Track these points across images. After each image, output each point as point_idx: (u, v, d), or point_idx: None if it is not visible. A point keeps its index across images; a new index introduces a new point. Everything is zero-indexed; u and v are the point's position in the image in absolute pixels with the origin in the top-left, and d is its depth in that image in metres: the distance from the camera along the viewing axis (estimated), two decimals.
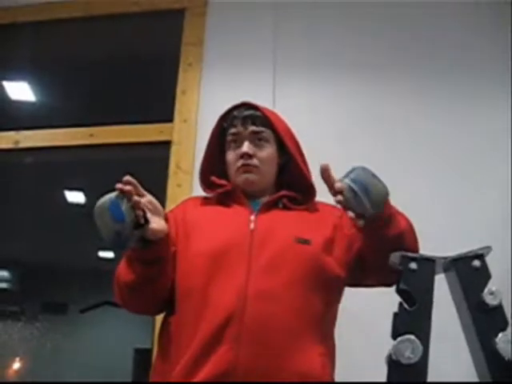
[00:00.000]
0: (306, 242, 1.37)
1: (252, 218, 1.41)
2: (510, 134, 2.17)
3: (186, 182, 2.24)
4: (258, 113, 1.53)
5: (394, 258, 1.20)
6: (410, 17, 2.47)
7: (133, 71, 3.08)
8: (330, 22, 2.50)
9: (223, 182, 1.53)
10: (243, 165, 1.49)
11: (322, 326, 1.35)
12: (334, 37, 2.46)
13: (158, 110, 2.62)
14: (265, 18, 2.52)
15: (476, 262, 1.22)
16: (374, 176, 1.25)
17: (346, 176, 1.24)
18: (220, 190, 1.51)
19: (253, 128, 1.51)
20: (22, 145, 2.58)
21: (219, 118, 1.58)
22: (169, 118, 2.43)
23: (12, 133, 2.61)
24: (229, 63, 2.48)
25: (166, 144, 2.37)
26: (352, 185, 1.20)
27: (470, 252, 1.22)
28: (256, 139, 1.51)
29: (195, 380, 1.19)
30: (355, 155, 2.23)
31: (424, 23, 2.45)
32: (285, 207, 1.48)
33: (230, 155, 1.53)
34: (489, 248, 1.24)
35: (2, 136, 2.63)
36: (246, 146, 1.49)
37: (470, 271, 1.21)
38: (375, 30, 2.46)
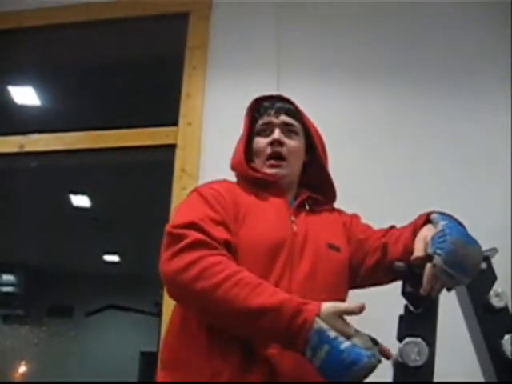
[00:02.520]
0: (336, 248, 1.37)
1: (293, 218, 1.39)
2: (510, 134, 2.16)
3: (190, 186, 2.23)
4: (291, 106, 1.53)
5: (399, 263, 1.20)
6: (410, 17, 2.46)
7: (137, 75, 3.09)
8: (333, 23, 2.50)
9: (262, 172, 1.48)
10: (273, 153, 1.46)
11: None
12: (337, 39, 2.46)
13: (162, 114, 2.63)
14: (268, 21, 2.52)
15: (482, 264, 1.22)
16: (467, 243, 1.11)
17: (436, 247, 1.09)
18: (264, 177, 1.45)
19: (285, 118, 1.50)
20: (27, 149, 2.59)
21: (251, 104, 1.56)
22: (173, 122, 2.44)
23: (17, 137, 2.61)
24: (233, 66, 2.48)
25: (171, 147, 2.37)
26: (448, 269, 1.06)
27: None
28: (287, 130, 1.50)
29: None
30: (359, 156, 2.25)
31: (425, 24, 2.44)
32: (310, 209, 1.47)
33: (260, 142, 1.50)
34: (495, 250, 1.24)
35: (7, 140, 2.63)
36: (277, 133, 1.47)
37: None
38: (377, 31, 2.45)
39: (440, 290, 1.11)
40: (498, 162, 2.16)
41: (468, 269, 1.09)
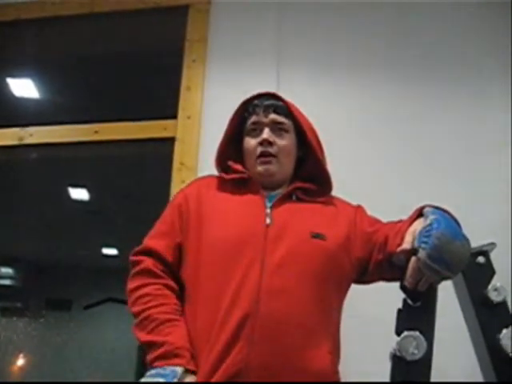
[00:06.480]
0: (321, 236, 1.36)
1: (268, 211, 1.40)
2: (510, 133, 2.16)
3: (189, 179, 2.23)
4: (280, 103, 1.53)
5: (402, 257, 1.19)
6: (410, 17, 2.46)
7: (137, 68, 3.08)
8: (334, 19, 2.49)
9: (240, 167, 1.52)
10: (262, 152, 1.48)
11: (332, 323, 1.36)
12: (338, 35, 2.46)
13: (161, 107, 2.62)
14: (269, 15, 2.51)
15: (480, 259, 1.22)
16: (453, 238, 1.10)
17: (421, 241, 1.10)
18: (236, 176, 1.50)
19: (274, 116, 1.50)
20: (27, 141, 2.59)
21: (240, 105, 1.57)
22: (173, 115, 2.43)
23: (16, 129, 2.61)
24: (233, 59, 2.47)
25: (170, 140, 2.37)
26: (431, 264, 1.07)
27: (475, 248, 1.22)
28: (276, 128, 1.50)
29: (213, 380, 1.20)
30: (358, 152, 2.24)
31: (425, 23, 2.44)
32: (299, 199, 1.47)
33: (250, 142, 1.52)
34: (493, 244, 1.24)
35: (6, 132, 2.63)
36: (266, 133, 1.48)
37: (474, 267, 1.21)
38: (377, 30, 2.45)
39: (426, 284, 1.12)
40: (498, 157, 2.16)
41: (452, 264, 1.09)
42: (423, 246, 1.09)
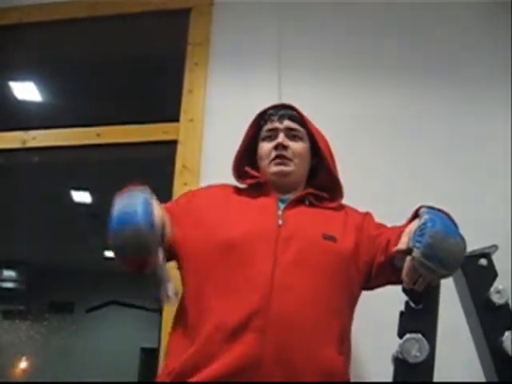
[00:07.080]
0: (333, 239, 1.39)
1: (279, 213, 1.43)
2: (510, 133, 2.16)
3: (192, 181, 2.24)
4: (295, 112, 1.59)
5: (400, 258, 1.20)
6: (410, 18, 2.45)
7: (139, 71, 3.09)
8: (334, 21, 2.49)
9: (255, 173, 1.57)
10: (277, 156, 1.52)
11: (343, 323, 1.36)
12: (339, 37, 2.45)
13: (164, 110, 2.63)
14: (270, 18, 2.51)
15: (482, 261, 1.23)
16: (447, 236, 1.11)
17: (415, 241, 1.12)
18: (252, 181, 1.55)
19: (289, 123, 1.57)
20: (29, 144, 2.58)
21: (256, 116, 1.63)
22: (175, 118, 2.44)
23: (19, 132, 2.61)
24: (235, 62, 2.48)
25: (172, 143, 2.38)
26: (426, 262, 1.09)
27: (477, 251, 1.22)
28: (291, 135, 1.56)
29: (214, 368, 1.20)
30: (360, 154, 2.24)
31: (424, 24, 2.43)
32: (311, 204, 1.51)
33: (264, 146, 1.57)
34: (495, 247, 1.24)
35: (9, 136, 2.63)
36: (281, 137, 1.53)
37: (476, 270, 1.21)
38: (377, 31, 2.44)
39: (424, 284, 1.13)
40: (499, 160, 2.16)
41: (447, 262, 1.10)
42: (417, 244, 1.10)
